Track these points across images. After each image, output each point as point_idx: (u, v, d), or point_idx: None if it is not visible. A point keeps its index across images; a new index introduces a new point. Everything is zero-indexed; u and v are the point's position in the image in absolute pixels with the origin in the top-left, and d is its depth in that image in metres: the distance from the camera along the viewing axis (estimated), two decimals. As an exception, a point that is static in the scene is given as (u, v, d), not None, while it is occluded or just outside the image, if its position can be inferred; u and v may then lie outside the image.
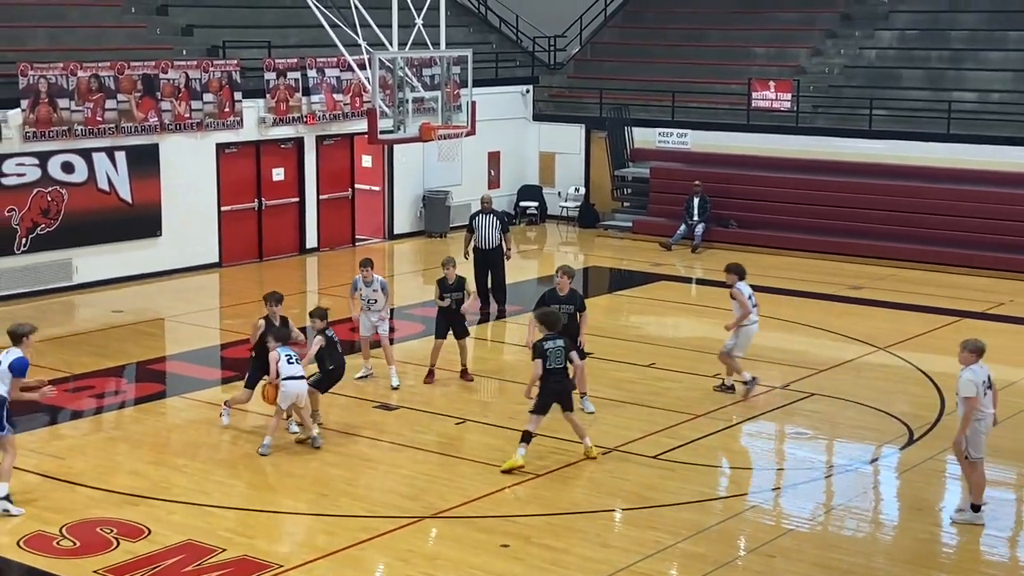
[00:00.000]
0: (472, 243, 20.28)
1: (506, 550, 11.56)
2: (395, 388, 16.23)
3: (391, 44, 18.66)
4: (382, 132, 18.20)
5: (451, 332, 16.49)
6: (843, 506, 12.89)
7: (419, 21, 19.02)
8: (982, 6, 28.50)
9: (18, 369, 12.02)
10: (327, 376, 14.56)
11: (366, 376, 16.57)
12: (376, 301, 16.32)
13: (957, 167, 25.08)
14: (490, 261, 20.24)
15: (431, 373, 16.50)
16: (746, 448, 14.91)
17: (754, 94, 27.25)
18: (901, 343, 18.71)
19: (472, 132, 19.26)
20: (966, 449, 12.19)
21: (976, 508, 12.30)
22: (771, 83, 27.30)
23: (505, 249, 20.28)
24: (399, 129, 18.23)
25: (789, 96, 26.99)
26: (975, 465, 12.23)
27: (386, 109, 18.32)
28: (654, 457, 13.95)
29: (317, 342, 14.38)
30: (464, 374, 16.61)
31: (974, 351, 12.18)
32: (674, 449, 14.23)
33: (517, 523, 12.17)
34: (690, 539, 11.84)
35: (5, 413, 12.05)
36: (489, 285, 20.32)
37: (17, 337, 12.19)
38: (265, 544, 11.65)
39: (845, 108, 27.29)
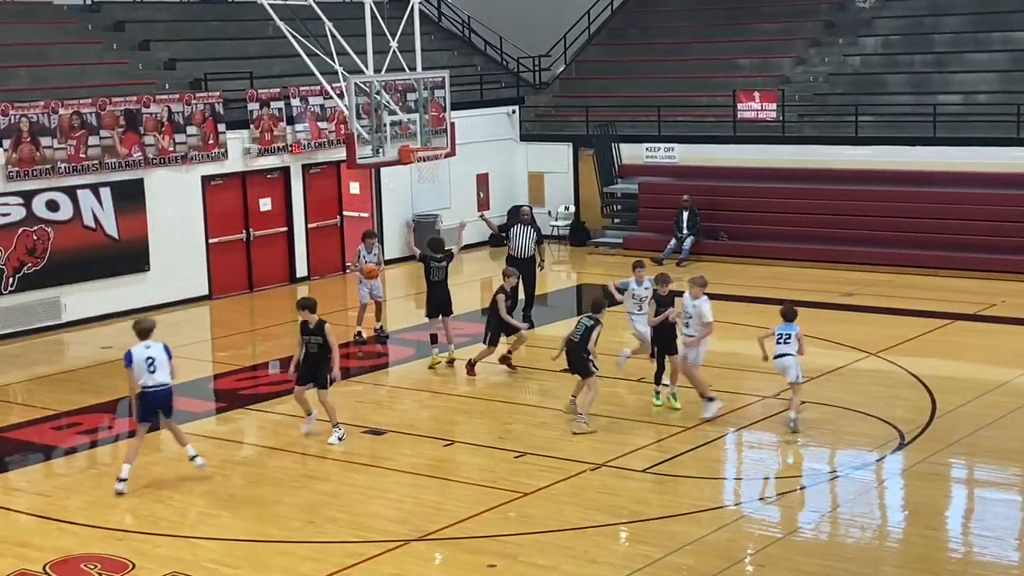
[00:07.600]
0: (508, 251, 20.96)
1: (493, 570, 11.47)
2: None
3: (367, 68, 18.67)
4: (360, 157, 18.19)
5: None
6: (831, 513, 12.79)
7: (394, 44, 19.06)
8: (964, 9, 28.50)
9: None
10: None
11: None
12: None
13: (944, 170, 25.02)
14: (523, 270, 20.36)
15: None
16: (737, 458, 14.83)
17: (739, 105, 27.24)
18: (892, 348, 18.62)
19: (452, 153, 19.25)
20: (694, 360, 15.40)
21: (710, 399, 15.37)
22: (756, 94, 27.29)
23: (538, 260, 20.73)
24: (377, 153, 18.22)
25: (774, 106, 26.97)
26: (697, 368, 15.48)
27: (364, 133, 18.31)
28: (643, 471, 13.88)
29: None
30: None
31: (702, 285, 15.58)
32: (664, 462, 14.14)
33: (504, 542, 12.07)
34: (679, 551, 11.73)
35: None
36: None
37: (147, 332, 13.69)
38: (250, 573, 11.56)
39: (831, 116, 27.27)
